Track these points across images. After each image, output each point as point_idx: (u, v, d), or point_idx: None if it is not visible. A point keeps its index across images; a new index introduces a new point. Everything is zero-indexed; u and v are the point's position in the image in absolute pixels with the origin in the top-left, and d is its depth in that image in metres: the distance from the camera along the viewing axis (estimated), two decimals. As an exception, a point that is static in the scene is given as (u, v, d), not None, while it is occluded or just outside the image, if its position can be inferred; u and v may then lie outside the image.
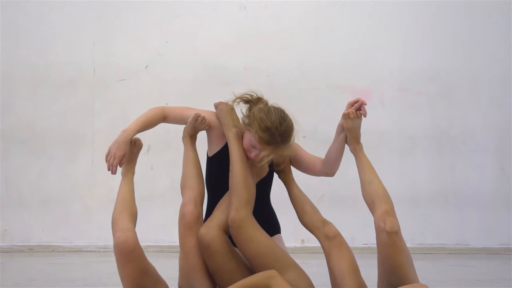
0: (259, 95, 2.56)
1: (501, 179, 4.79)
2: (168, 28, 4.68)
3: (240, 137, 2.45)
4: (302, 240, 4.52)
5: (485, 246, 4.72)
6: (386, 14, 4.79)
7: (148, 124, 2.52)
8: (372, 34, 4.78)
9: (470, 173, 4.78)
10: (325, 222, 2.48)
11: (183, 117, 2.58)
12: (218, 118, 2.56)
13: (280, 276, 2.17)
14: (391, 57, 4.78)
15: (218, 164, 2.54)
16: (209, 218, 2.40)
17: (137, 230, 2.38)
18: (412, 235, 4.68)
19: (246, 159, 2.42)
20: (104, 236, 4.44)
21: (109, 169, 2.49)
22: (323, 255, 2.43)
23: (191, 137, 2.61)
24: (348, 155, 4.86)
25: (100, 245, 4.49)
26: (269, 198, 2.67)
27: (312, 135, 4.69)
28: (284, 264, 2.31)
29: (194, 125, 2.56)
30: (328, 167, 2.63)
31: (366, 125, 4.71)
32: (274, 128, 2.37)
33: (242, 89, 4.63)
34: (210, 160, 2.59)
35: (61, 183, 4.56)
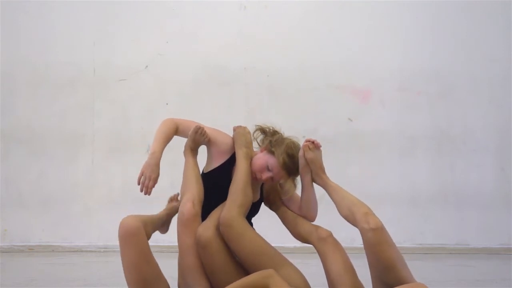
0: (277, 128, 2.67)
1: (501, 179, 4.79)
2: (168, 28, 4.68)
3: (249, 157, 2.55)
4: (302, 240, 4.53)
5: (485, 246, 4.72)
6: (386, 14, 4.79)
7: (168, 138, 2.55)
8: (372, 34, 4.79)
9: (470, 173, 4.78)
10: (316, 226, 2.52)
11: (190, 129, 2.60)
12: (233, 138, 2.63)
13: (278, 275, 2.17)
14: (391, 57, 4.78)
15: (214, 180, 2.56)
16: (206, 219, 2.41)
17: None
18: (412, 235, 4.69)
19: (251, 174, 2.51)
20: (104, 236, 4.45)
21: (142, 191, 2.47)
22: (323, 256, 2.43)
23: (192, 150, 2.64)
24: (349, 151, 4.87)
25: (100, 245, 4.49)
26: (252, 222, 2.69)
27: (312, 135, 4.67)
28: (278, 261, 2.34)
29: (195, 138, 2.58)
30: (305, 211, 2.64)
31: (366, 125, 4.76)
32: (297, 158, 2.54)
33: (242, 89, 4.67)
34: (204, 176, 2.60)
35: (61, 183, 4.56)
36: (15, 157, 4.56)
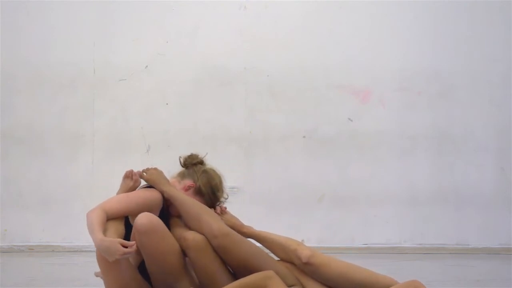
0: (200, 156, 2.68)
1: (501, 179, 4.79)
2: (168, 28, 4.68)
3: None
4: (302, 240, 4.52)
5: (485, 246, 4.71)
6: (386, 14, 4.79)
7: (104, 223, 2.36)
8: (372, 34, 4.78)
9: (470, 173, 4.78)
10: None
11: (118, 205, 2.48)
12: (151, 181, 2.55)
13: (277, 277, 2.20)
14: (391, 57, 4.78)
15: None
16: (181, 230, 2.37)
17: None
18: (412, 235, 4.68)
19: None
20: (104, 236, 4.44)
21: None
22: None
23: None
24: (349, 151, 4.86)
25: (100, 245, 4.49)
26: None
27: (312, 135, 4.70)
28: (273, 262, 2.36)
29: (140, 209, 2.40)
30: None
31: (366, 125, 4.75)
32: (221, 190, 2.62)
33: (242, 89, 4.68)
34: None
35: (61, 183, 4.56)
36: (15, 157, 4.56)
